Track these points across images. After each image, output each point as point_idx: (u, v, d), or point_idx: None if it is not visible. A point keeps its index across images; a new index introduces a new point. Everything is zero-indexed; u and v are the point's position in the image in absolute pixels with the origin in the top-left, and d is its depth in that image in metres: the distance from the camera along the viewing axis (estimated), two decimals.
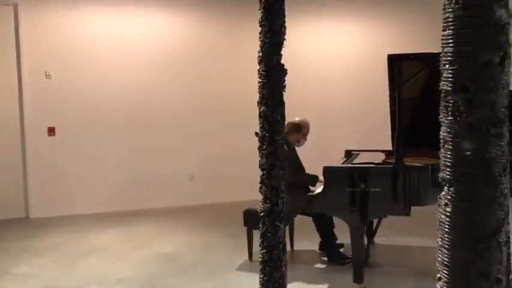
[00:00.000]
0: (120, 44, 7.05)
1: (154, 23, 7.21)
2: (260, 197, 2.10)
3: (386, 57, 8.05)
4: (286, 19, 2.00)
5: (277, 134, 1.97)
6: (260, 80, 1.99)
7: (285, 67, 2.02)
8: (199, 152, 7.37)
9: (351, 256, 4.51)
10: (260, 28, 1.98)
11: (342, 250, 4.66)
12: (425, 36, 7.83)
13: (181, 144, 7.29)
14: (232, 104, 7.48)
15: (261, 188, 2.06)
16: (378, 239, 5.03)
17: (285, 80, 2.00)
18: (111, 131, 7.03)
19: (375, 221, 4.81)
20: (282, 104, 2.00)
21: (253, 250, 4.58)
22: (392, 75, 4.15)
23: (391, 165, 3.90)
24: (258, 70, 2.01)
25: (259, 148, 2.04)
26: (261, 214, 2.03)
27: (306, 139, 4.63)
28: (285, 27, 1.98)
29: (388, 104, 4.56)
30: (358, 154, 5.01)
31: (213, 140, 7.42)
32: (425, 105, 4.58)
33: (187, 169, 7.33)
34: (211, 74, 7.43)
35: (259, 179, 1.94)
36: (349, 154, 5.08)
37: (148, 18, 7.18)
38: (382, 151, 5.00)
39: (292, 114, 6.80)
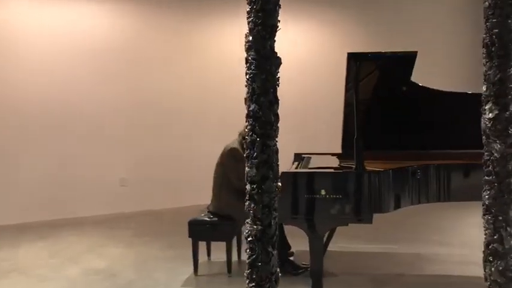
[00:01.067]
0: (43, 40, 6.23)
1: (82, 16, 6.47)
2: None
3: (326, 59, 7.87)
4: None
5: (271, 139, 1.56)
6: (249, 71, 1.55)
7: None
8: (131, 155, 6.72)
9: (303, 265, 4.21)
10: (249, 7, 1.56)
11: (292, 258, 4.34)
12: (372, 38, 7.79)
13: (111, 147, 6.59)
14: (166, 104, 6.91)
15: (249, 205, 1.63)
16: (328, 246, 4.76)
17: (278, 72, 1.59)
18: (31, 132, 6.19)
19: None
20: (276, 101, 1.58)
21: (199, 262, 4.13)
22: (350, 75, 3.89)
23: (353, 170, 3.62)
24: (246, 59, 1.58)
25: (247, 156, 1.61)
26: (249, 238, 1.61)
27: None
28: (279, 6, 1.58)
29: (343, 105, 4.32)
30: (310, 158, 4.71)
31: (145, 142, 6.79)
32: (375, 107, 4.38)
33: (118, 173, 6.66)
34: (144, 73, 6.82)
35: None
36: (299, 158, 4.76)
37: (75, 11, 6.42)
38: (333, 154, 4.74)
39: (234, 116, 6.41)
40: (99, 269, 4.28)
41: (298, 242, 4.12)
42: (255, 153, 1.56)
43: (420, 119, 4.26)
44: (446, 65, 8.43)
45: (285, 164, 4.67)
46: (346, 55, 3.74)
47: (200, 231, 4.12)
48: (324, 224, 3.61)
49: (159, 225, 5.99)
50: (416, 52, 3.78)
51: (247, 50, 1.58)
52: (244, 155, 1.64)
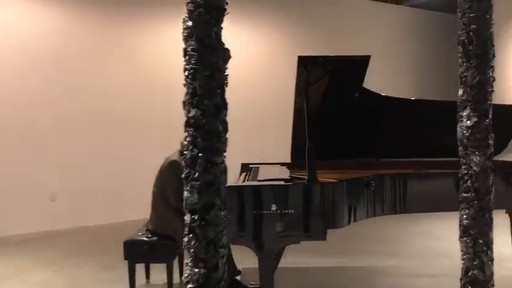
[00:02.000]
0: None
1: (12, 15, 5.79)
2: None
3: (275, 62, 7.55)
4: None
5: (218, 154, 1.17)
6: (189, 66, 1.16)
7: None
8: (62, 167, 6.07)
9: (251, 285, 3.84)
10: None
11: (239, 278, 3.95)
12: (325, 42, 7.57)
13: (39, 158, 5.92)
14: (103, 111, 6.32)
15: (189, 242, 1.23)
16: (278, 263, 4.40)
17: (227, 68, 1.21)
18: None
19: None
20: (224, 105, 1.20)
21: (137, 285, 3.64)
22: (300, 80, 3.56)
23: (305, 182, 3.29)
24: (185, 51, 1.19)
25: (186, 177, 1.21)
26: (189, 285, 1.20)
27: None
28: None
29: (293, 112, 4.00)
30: (258, 168, 4.34)
31: (77, 152, 6.16)
32: (327, 114, 4.09)
33: (47, 187, 5.98)
34: (78, 76, 6.20)
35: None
36: (247, 168, 4.38)
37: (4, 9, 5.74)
38: (282, 164, 4.40)
39: (179, 124, 6.03)
40: None
41: (245, 258, 3.74)
42: (196, 174, 1.16)
43: (373, 127, 4.00)
44: (388, 71, 8.38)
45: (231, 176, 4.30)
46: (296, 59, 3.43)
47: (137, 253, 3.63)
48: (274, 243, 3.24)
49: (93, 244, 5.40)
50: (369, 56, 3.52)
51: (186, 38, 1.18)
52: (183, 176, 1.23)
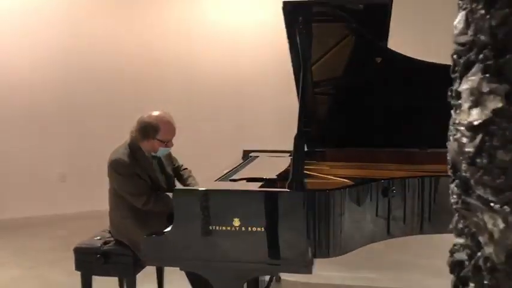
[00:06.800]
0: None
1: None
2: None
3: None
4: None
5: None
6: None
7: None
8: (71, 146, 5.25)
9: None
10: None
11: None
12: None
13: (47, 137, 5.14)
14: (110, 89, 5.36)
15: None
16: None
17: None
18: None
19: None
20: None
21: None
22: (291, 39, 2.41)
23: (284, 189, 2.18)
24: None
25: None
26: None
27: (169, 145, 2.75)
28: None
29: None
30: (257, 157, 3.27)
31: (86, 132, 5.27)
32: (334, 87, 2.88)
33: (56, 167, 5.23)
34: (86, 51, 5.31)
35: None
36: (246, 157, 3.35)
37: None
38: (290, 153, 3.28)
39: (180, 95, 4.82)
40: None
41: None
42: None
43: (402, 105, 2.73)
44: None
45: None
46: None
47: (90, 263, 2.79)
48: (235, 274, 2.20)
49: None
50: (390, 0, 2.26)
51: None
52: None
